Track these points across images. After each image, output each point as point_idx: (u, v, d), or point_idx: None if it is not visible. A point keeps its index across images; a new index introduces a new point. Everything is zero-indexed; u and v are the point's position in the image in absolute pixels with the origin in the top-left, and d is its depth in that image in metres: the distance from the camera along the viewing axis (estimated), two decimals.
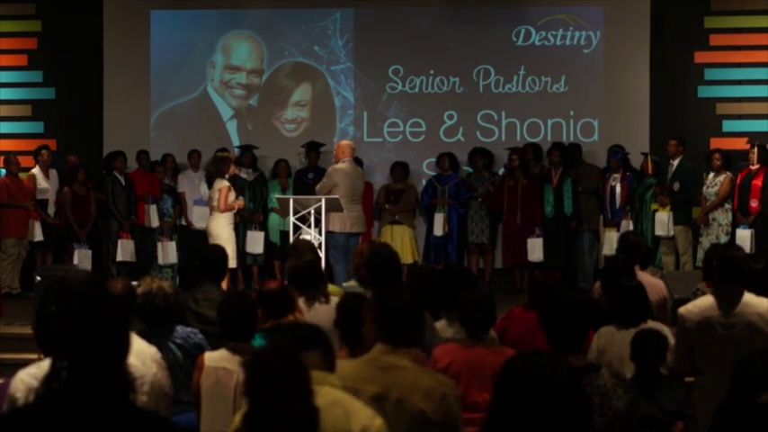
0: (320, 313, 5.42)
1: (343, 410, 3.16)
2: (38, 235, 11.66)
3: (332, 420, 3.12)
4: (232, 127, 13.26)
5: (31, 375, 3.76)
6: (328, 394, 3.20)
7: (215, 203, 9.82)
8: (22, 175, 12.00)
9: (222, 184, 9.80)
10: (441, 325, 5.28)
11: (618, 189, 11.67)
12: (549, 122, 12.85)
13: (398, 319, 3.70)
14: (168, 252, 11.84)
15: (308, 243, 6.89)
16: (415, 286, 5.54)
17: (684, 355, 5.31)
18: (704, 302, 5.31)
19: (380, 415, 3.31)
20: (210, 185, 10.01)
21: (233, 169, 10.22)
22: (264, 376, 2.92)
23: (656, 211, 11.24)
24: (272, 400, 2.90)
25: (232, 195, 9.91)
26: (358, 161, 11.43)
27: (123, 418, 2.46)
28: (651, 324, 5.43)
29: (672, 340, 5.45)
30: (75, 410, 2.42)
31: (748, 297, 5.25)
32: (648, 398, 4.65)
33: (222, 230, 9.71)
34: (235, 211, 10.02)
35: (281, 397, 2.89)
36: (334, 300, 5.23)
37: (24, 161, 12.31)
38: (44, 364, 3.72)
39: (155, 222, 11.94)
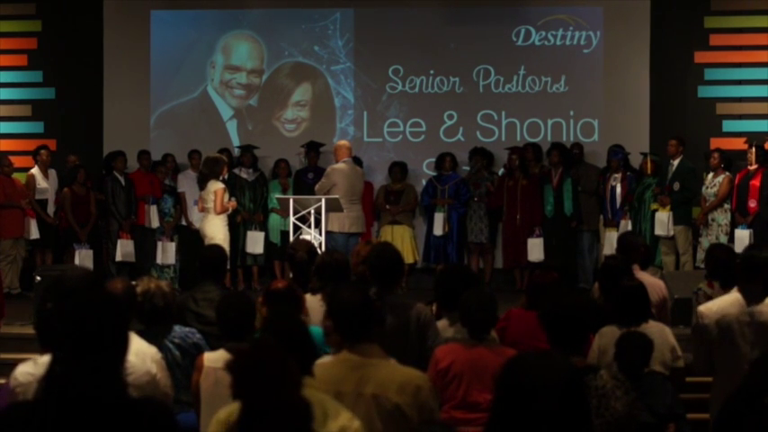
0: None
1: (321, 412, 3.16)
2: (34, 233, 11.65)
3: None
4: (232, 127, 13.26)
5: (27, 373, 3.77)
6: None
7: (209, 205, 9.74)
8: (20, 176, 11.99)
9: (218, 185, 9.74)
10: (442, 325, 5.28)
11: (618, 189, 11.67)
12: (549, 122, 12.85)
13: (349, 315, 3.73)
14: (168, 252, 11.83)
15: (306, 243, 6.88)
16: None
17: (701, 354, 5.26)
18: (725, 300, 5.27)
19: (358, 412, 3.35)
20: (202, 187, 9.90)
21: (225, 170, 10.20)
22: (249, 374, 2.92)
23: (655, 210, 11.24)
24: (261, 398, 2.90)
25: (226, 197, 9.89)
26: (357, 161, 11.44)
27: (119, 416, 2.46)
28: (652, 324, 5.42)
29: (672, 340, 5.45)
30: (71, 410, 2.42)
31: None
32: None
33: (218, 232, 9.67)
34: (229, 212, 9.99)
35: (269, 393, 2.89)
36: None
37: (24, 161, 12.31)
38: (41, 360, 3.73)
39: (155, 223, 11.93)
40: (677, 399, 5.02)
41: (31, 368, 3.77)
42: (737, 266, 5.40)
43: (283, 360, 2.97)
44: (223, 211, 9.75)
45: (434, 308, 5.61)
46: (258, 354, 2.98)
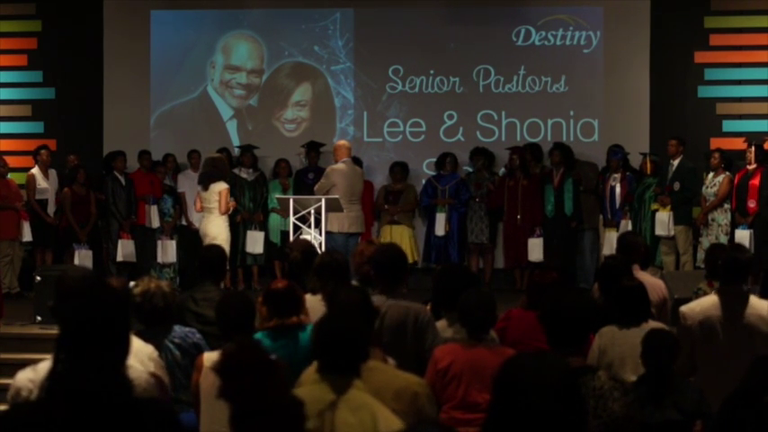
0: None
1: (369, 414, 3.17)
2: (27, 235, 11.65)
3: (359, 424, 3.14)
4: (232, 127, 13.26)
5: (27, 380, 3.75)
6: (355, 398, 3.21)
7: (212, 206, 9.74)
8: (20, 176, 11.99)
9: (222, 186, 9.75)
10: (441, 325, 5.27)
11: (618, 189, 11.66)
12: (549, 122, 12.85)
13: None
14: (168, 251, 11.83)
15: (303, 242, 6.87)
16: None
17: (684, 354, 5.28)
18: (706, 302, 5.30)
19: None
20: (206, 187, 9.86)
21: None
22: (235, 376, 2.92)
23: (656, 210, 11.23)
24: (247, 399, 2.89)
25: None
26: (357, 161, 11.43)
27: (124, 416, 2.46)
28: (652, 324, 5.42)
29: None
30: (75, 410, 2.42)
31: (752, 299, 5.23)
32: (663, 400, 4.61)
33: (221, 232, 9.69)
34: (230, 212, 10.01)
35: (255, 394, 2.88)
36: None
37: (24, 161, 12.31)
38: (40, 366, 3.72)
39: (155, 223, 11.93)
40: (704, 397, 5.00)
41: (31, 374, 3.75)
42: (719, 268, 5.43)
43: (269, 361, 2.96)
44: (227, 211, 9.78)
45: (429, 308, 5.60)
46: (243, 355, 2.97)
